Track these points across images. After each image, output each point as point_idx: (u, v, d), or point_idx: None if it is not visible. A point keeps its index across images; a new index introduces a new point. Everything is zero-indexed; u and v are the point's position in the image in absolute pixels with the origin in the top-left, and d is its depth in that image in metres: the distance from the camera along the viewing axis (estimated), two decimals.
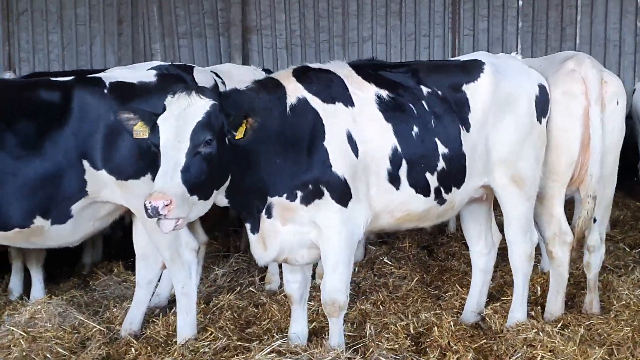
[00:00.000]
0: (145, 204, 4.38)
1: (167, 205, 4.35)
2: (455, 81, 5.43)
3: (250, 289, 6.88)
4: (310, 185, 4.94)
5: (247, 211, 5.11)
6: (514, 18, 15.27)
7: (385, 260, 7.91)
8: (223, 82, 6.84)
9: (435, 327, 5.52)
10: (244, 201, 5.07)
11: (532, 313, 6.02)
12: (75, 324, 6.02)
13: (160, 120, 4.63)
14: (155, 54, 15.35)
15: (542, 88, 5.68)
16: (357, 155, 5.02)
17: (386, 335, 5.40)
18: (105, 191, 5.49)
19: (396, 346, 5.22)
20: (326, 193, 4.96)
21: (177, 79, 5.72)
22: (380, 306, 6.34)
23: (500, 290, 6.71)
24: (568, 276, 6.06)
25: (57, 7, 15.37)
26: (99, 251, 8.69)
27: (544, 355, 4.98)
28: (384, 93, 5.20)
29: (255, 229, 5.11)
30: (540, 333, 5.34)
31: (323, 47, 15.47)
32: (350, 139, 5.03)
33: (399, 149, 5.13)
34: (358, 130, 5.05)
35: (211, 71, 6.99)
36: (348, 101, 5.11)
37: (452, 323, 5.58)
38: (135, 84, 5.61)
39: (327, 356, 4.87)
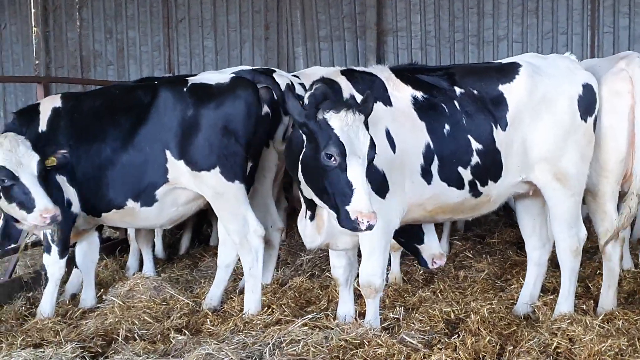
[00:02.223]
0: (358, 220, 4.78)
1: (376, 222, 4.87)
2: (491, 82, 5.73)
3: (327, 274, 7.45)
4: None
5: (309, 203, 5.60)
6: None
7: (467, 254, 8.21)
8: (303, 85, 7.40)
9: (472, 314, 5.83)
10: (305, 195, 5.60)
11: (584, 307, 6.18)
12: (167, 297, 6.88)
13: (342, 136, 4.90)
14: (298, 57, 16.19)
15: (587, 87, 5.84)
16: (394, 151, 5.46)
17: (420, 318, 5.79)
18: (182, 179, 6.28)
19: (427, 328, 5.61)
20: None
21: (247, 82, 6.40)
22: (439, 294, 6.70)
23: None
24: (620, 270, 6.16)
25: (211, 14, 16.57)
26: (215, 237, 9.63)
27: (560, 342, 5.19)
28: (419, 94, 5.62)
29: (313, 216, 5.66)
30: (573, 324, 5.52)
31: (457, 47, 15.63)
32: (389, 135, 5.49)
33: (432, 146, 5.54)
34: (395, 128, 5.50)
35: (295, 75, 7.61)
36: (387, 101, 5.58)
37: (487, 311, 5.85)
38: (212, 85, 6.37)
39: (355, 331, 5.35)
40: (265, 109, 6.50)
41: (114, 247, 8.86)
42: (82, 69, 16.98)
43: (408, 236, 6.30)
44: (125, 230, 8.66)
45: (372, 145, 5.00)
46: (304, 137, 5.09)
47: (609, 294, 6.16)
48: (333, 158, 4.87)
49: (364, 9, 15.67)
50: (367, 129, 5.03)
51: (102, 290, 7.30)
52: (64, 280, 7.38)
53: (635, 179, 5.81)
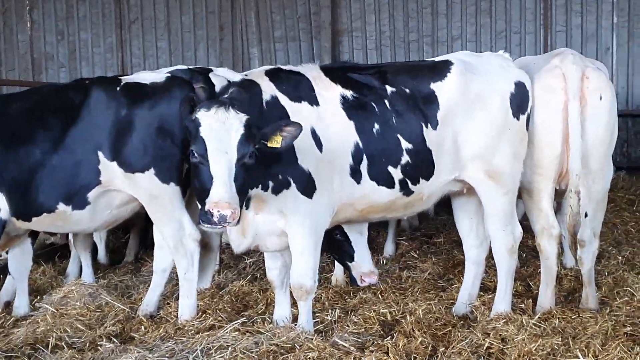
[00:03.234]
0: (210, 211, 4.78)
1: (233, 214, 4.81)
2: (423, 81, 5.69)
3: None
4: (279, 176, 5.36)
5: None
6: (609, 13, 14.86)
7: (413, 254, 8.16)
8: None
9: (408, 315, 5.76)
10: None
11: (523, 305, 6.14)
12: (102, 303, 6.69)
13: (204, 133, 5.01)
14: (253, 58, 16.09)
15: (519, 85, 5.82)
16: (321, 151, 5.38)
17: (356, 320, 5.71)
18: (116, 181, 6.12)
19: (362, 330, 5.52)
20: (292, 184, 5.37)
21: (183, 81, 6.26)
22: (380, 295, 6.61)
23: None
24: (560, 269, 6.14)
25: (165, 15, 16.39)
26: None
27: (492, 342, 5.14)
28: (349, 93, 5.56)
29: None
30: (509, 323, 5.47)
31: (412, 47, 15.67)
32: (315, 135, 5.41)
33: (360, 145, 5.48)
34: (322, 127, 5.44)
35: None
36: (313, 101, 5.52)
37: (423, 312, 5.79)
38: (146, 85, 6.21)
39: (287, 335, 5.24)
40: None
41: (53, 253, 8.66)
42: (33, 71, 16.71)
43: (339, 253, 6.39)
44: (67, 235, 8.47)
45: (245, 141, 4.97)
46: None
47: (547, 292, 6.12)
48: (194, 155, 4.96)
49: (319, 9, 15.61)
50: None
51: (38, 297, 7.11)
52: None
53: (571, 177, 5.77)
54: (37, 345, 5.82)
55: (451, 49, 15.40)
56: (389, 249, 8.51)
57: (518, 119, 5.80)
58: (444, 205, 6.67)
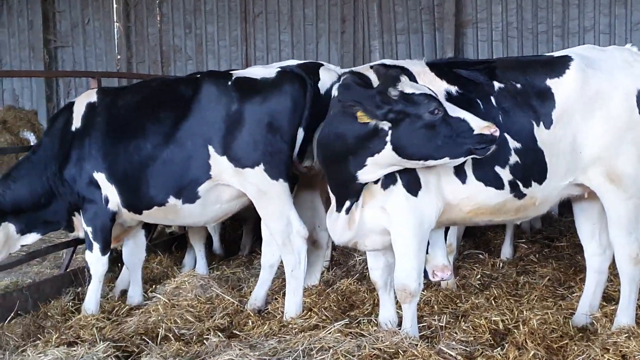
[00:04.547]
0: (486, 133, 4.86)
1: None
2: (537, 77, 5.36)
3: None
4: None
5: (350, 194, 5.32)
6: None
7: (532, 258, 7.78)
8: None
9: (521, 325, 5.46)
10: (349, 185, 5.30)
11: None
12: (213, 295, 6.75)
13: (423, 89, 4.99)
14: (374, 51, 15.87)
15: None
16: None
17: (465, 327, 5.46)
18: (225, 175, 6.12)
19: (471, 339, 5.27)
20: (398, 180, 5.18)
21: (293, 76, 6.18)
22: (493, 301, 6.33)
23: None
24: None
25: (288, 8, 16.48)
26: None
27: (611, 359, 4.77)
28: (454, 89, 5.30)
29: (348, 210, 5.37)
30: (631, 338, 5.09)
31: (541, 39, 15.01)
32: None
33: None
34: None
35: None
36: None
37: (537, 322, 5.46)
38: (258, 79, 6.18)
39: (390, 340, 5.06)
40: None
41: (171, 242, 8.83)
42: (162, 63, 17.17)
43: None
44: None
45: None
46: (386, 127, 4.95)
47: None
48: (436, 110, 4.86)
49: (443, 0, 15.22)
50: None
51: (153, 286, 7.26)
52: (116, 276, 7.42)
53: None
54: (148, 335, 5.90)
55: (583, 41, 14.66)
56: (506, 251, 8.16)
57: None
58: (570, 205, 6.27)
